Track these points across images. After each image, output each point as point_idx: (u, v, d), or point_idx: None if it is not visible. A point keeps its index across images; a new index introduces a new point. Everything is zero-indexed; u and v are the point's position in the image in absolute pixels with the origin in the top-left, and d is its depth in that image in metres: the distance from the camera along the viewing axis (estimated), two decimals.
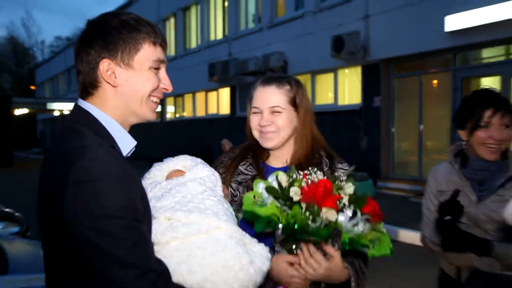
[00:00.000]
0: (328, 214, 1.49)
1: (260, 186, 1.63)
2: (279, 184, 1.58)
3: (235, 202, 1.75)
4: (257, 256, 1.31)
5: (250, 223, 1.61)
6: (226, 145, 6.84)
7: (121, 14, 1.34)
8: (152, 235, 1.25)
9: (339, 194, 1.54)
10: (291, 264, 1.61)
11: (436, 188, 2.35)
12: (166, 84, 1.37)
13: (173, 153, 1.56)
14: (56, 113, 32.69)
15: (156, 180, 1.46)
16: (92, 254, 1.13)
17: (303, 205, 1.51)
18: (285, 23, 14.55)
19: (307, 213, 1.50)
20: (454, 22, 9.63)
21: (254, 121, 1.81)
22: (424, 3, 10.30)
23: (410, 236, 6.88)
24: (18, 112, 31.87)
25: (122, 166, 1.20)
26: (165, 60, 1.37)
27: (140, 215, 1.19)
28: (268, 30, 15.18)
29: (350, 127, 12.41)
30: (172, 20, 21.56)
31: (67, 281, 1.20)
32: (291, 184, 1.56)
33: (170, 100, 22.32)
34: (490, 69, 10.31)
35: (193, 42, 20.06)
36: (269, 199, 1.57)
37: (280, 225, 1.53)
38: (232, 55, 16.57)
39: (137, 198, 1.20)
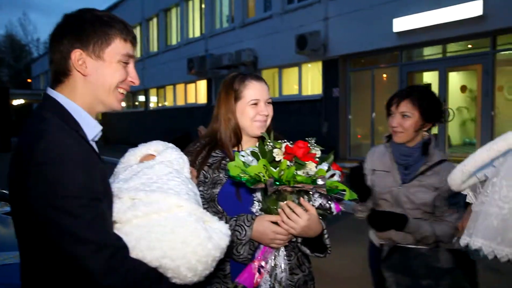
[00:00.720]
0: (310, 166, 1.53)
1: (242, 154, 1.62)
2: (261, 150, 1.59)
3: (207, 183, 1.72)
4: (216, 233, 1.24)
5: (237, 185, 1.66)
6: (202, 131, 6.72)
7: (96, 10, 1.28)
8: (115, 214, 1.20)
9: (315, 153, 1.58)
10: (274, 223, 1.60)
11: (371, 167, 2.33)
12: (133, 77, 1.31)
13: (157, 138, 1.49)
14: None
15: (129, 164, 1.39)
16: (52, 232, 1.08)
17: (288, 162, 1.54)
18: (255, 23, 14.41)
19: (291, 167, 1.52)
20: (401, 24, 9.75)
21: (251, 111, 1.77)
22: (375, 8, 10.36)
23: None
24: (16, 102, 31.03)
25: (83, 148, 1.15)
26: (134, 55, 1.32)
27: (99, 194, 1.14)
28: (240, 29, 15.02)
29: (312, 114, 12.48)
30: (154, 20, 21.11)
31: (35, 259, 1.16)
32: (273, 147, 1.59)
33: (153, 91, 21.96)
34: (430, 65, 10.55)
35: (174, 39, 19.71)
36: (254, 162, 1.57)
37: (271, 179, 1.51)
38: (208, 51, 16.35)
39: (97, 179, 1.15)
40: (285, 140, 1.63)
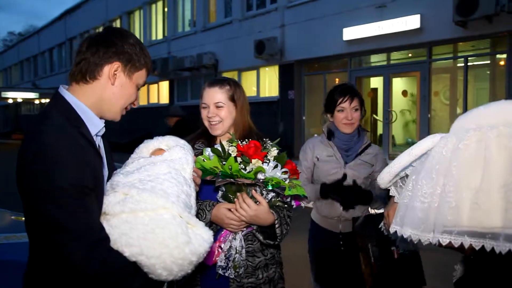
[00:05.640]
0: (256, 164, 1.67)
1: (207, 150, 1.76)
2: (222, 147, 1.73)
3: None
4: (197, 238, 1.24)
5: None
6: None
7: (133, 35, 1.39)
8: (105, 206, 1.25)
9: (266, 152, 1.72)
10: (229, 210, 1.75)
11: (313, 156, 2.58)
12: (136, 101, 1.44)
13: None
14: (10, 101, 30.50)
15: (142, 155, 1.46)
16: (41, 219, 1.16)
17: (238, 159, 1.67)
18: (216, 28, 14.57)
19: (240, 163, 1.67)
20: (350, 33, 10.21)
21: (203, 114, 1.94)
22: (327, 18, 10.80)
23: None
24: None
25: (76, 147, 1.20)
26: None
27: (86, 189, 1.18)
28: (202, 33, 15.12)
29: (269, 115, 12.68)
30: (118, 22, 20.76)
31: (33, 243, 1.27)
32: (230, 146, 1.72)
33: None
34: (376, 71, 11.08)
35: None
36: (212, 158, 1.71)
37: (220, 172, 1.66)
38: (171, 53, 16.34)
39: (86, 175, 1.19)
40: (267, 140, 1.79)
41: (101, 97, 1.33)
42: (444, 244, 1.22)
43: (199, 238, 1.25)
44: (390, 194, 1.59)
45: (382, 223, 1.75)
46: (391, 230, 1.43)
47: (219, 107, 1.92)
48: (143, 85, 1.44)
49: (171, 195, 1.25)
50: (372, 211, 2.55)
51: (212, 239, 1.29)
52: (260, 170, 1.65)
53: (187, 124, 5.61)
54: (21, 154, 1.20)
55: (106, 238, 1.19)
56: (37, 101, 29.46)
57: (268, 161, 1.71)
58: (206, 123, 1.96)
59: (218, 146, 1.75)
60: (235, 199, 1.74)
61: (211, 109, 1.92)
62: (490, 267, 1.36)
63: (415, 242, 1.34)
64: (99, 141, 1.39)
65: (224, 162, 1.69)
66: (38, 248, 1.24)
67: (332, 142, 2.56)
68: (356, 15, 10.04)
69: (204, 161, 1.70)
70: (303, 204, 1.84)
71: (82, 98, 1.32)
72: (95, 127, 1.33)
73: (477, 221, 1.16)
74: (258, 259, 1.87)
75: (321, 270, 2.55)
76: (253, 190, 1.72)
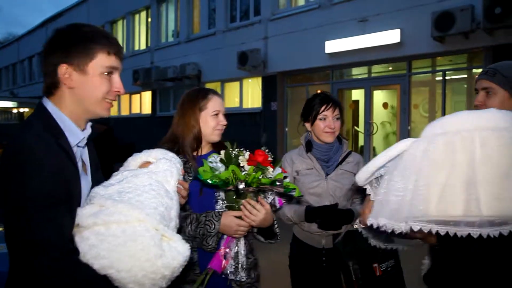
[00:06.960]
0: (269, 170, 1.79)
1: (210, 160, 1.82)
2: (227, 156, 1.80)
3: None
4: (171, 251, 1.20)
5: (207, 187, 1.84)
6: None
7: (84, 26, 1.34)
8: (79, 217, 1.21)
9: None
10: (237, 217, 1.83)
11: (293, 170, 2.51)
12: (118, 87, 1.36)
13: None
14: None
15: (129, 168, 1.44)
16: (11, 228, 1.15)
17: (251, 168, 1.77)
18: (199, 38, 14.60)
19: (257, 172, 1.75)
20: (332, 46, 10.35)
21: (213, 121, 1.99)
22: (309, 30, 10.95)
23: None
24: None
25: (51, 156, 1.18)
26: (118, 67, 1.36)
27: (57, 199, 1.16)
28: (185, 44, 15.14)
29: (252, 126, 12.72)
30: None
31: (9, 250, 1.25)
32: (237, 155, 1.80)
33: None
34: (357, 83, 11.24)
35: None
36: (222, 168, 1.78)
37: (240, 182, 1.74)
38: (153, 64, 16.30)
39: (59, 185, 1.17)
40: (243, 148, 1.87)
41: (71, 102, 1.31)
42: (415, 230, 1.35)
43: (174, 251, 1.21)
44: (367, 192, 1.72)
45: (358, 221, 1.88)
46: (368, 223, 1.53)
47: (224, 114, 2.05)
48: (116, 69, 1.35)
49: (147, 206, 1.22)
50: (355, 226, 2.48)
51: (188, 253, 1.26)
52: (280, 177, 1.79)
53: (113, 135, 6.15)
54: (0, 162, 1.19)
55: (75, 250, 1.16)
56: (15, 110, 28.88)
57: (274, 168, 1.84)
58: (208, 130, 1.99)
59: (219, 157, 1.83)
60: (242, 206, 1.83)
61: (221, 116, 2.02)
62: (453, 256, 1.51)
63: (389, 232, 1.45)
64: (80, 152, 1.37)
65: (243, 172, 1.77)
66: (15, 258, 1.21)
67: (311, 154, 2.50)
68: (338, 28, 10.22)
69: (204, 171, 1.74)
70: (283, 202, 2.02)
71: (60, 108, 1.31)
72: (75, 137, 1.32)
73: (443, 211, 1.30)
74: (250, 260, 1.99)
75: (302, 286, 2.50)
76: (259, 196, 1.84)
